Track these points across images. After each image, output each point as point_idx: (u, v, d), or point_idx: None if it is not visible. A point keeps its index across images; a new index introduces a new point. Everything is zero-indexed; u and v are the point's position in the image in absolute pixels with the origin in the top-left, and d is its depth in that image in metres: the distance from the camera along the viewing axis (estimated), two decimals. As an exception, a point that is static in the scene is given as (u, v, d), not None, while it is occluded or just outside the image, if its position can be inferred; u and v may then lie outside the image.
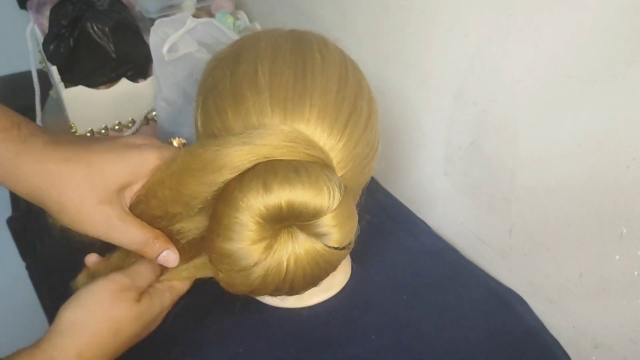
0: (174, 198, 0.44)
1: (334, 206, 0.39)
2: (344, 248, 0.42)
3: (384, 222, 0.70)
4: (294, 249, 0.41)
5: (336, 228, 0.40)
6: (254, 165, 0.41)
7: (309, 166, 0.40)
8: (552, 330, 0.57)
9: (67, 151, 0.43)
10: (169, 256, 0.47)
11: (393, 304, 0.56)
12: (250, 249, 0.40)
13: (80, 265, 0.53)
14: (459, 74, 0.61)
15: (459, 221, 0.69)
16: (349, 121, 0.45)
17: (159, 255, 0.47)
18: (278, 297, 0.54)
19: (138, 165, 0.45)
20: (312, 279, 0.43)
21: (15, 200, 0.99)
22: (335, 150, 0.44)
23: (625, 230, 0.48)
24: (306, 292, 0.54)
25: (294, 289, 0.43)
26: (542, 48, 0.51)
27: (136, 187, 0.46)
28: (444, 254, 0.66)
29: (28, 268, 0.96)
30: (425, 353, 0.51)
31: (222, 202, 0.41)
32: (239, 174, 0.41)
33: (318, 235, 0.41)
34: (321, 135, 0.43)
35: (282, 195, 0.38)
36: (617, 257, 0.49)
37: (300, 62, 0.45)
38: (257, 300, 0.55)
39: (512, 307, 0.57)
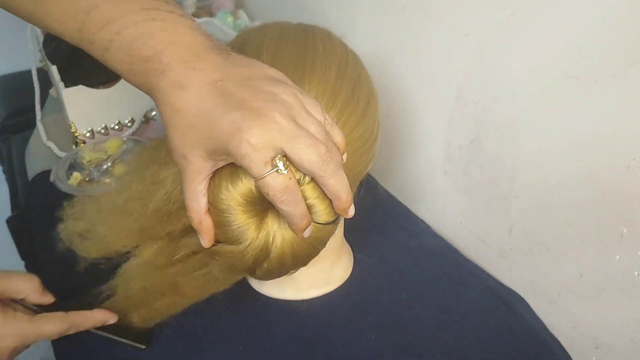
0: None
1: (308, 179, 0.40)
2: (330, 223, 0.42)
3: (384, 222, 0.70)
4: (280, 228, 0.42)
5: (319, 200, 0.40)
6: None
7: None
8: (553, 330, 0.57)
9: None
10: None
11: (393, 304, 0.56)
12: (243, 230, 0.41)
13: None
14: (459, 73, 0.61)
15: (459, 221, 0.69)
16: (346, 108, 0.47)
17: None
18: (277, 288, 0.54)
19: None
20: (302, 257, 0.44)
21: (15, 200, 0.99)
22: None
23: (625, 230, 0.48)
24: (305, 284, 0.54)
25: (284, 268, 0.44)
26: (543, 48, 0.51)
27: None
28: (444, 253, 0.66)
29: (27, 267, 0.96)
30: (425, 353, 0.51)
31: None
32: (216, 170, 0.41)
33: None
34: None
35: (250, 180, 0.39)
36: (618, 257, 0.49)
37: (301, 50, 0.48)
38: (257, 292, 0.55)
39: (512, 306, 0.57)
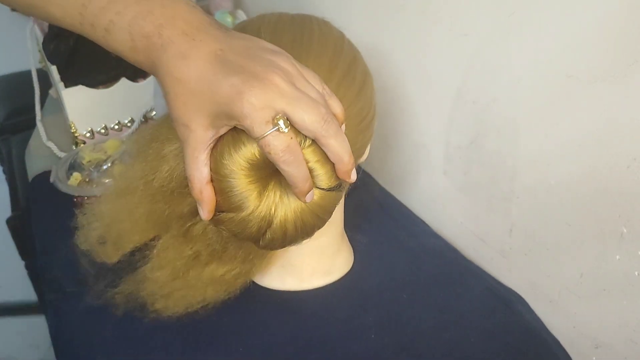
0: None
1: (308, 142, 0.40)
2: (333, 189, 0.42)
3: (384, 222, 0.70)
4: (283, 198, 0.42)
5: (318, 165, 0.41)
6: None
7: None
8: (553, 330, 0.57)
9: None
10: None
11: (393, 304, 0.56)
12: (245, 196, 0.41)
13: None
14: (459, 73, 0.61)
15: (459, 221, 0.69)
16: (342, 83, 0.48)
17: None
18: (278, 278, 0.55)
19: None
20: (305, 226, 0.44)
21: (15, 200, 0.99)
22: None
23: (625, 230, 0.48)
24: (307, 274, 0.55)
25: (287, 237, 0.44)
26: (542, 47, 0.51)
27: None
28: (444, 253, 0.66)
29: (27, 267, 0.96)
30: (425, 352, 0.51)
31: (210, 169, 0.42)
32: (217, 139, 0.42)
33: None
34: None
35: (253, 144, 0.40)
36: (618, 257, 0.49)
37: (298, 31, 0.49)
38: (257, 285, 0.55)
39: (512, 306, 0.57)
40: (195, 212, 0.48)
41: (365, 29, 0.75)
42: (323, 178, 0.41)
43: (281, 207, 0.42)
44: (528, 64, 0.53)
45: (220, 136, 0.41)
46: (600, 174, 0.49)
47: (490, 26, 0.55)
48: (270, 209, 0.42)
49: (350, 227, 0.60)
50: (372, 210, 0.71)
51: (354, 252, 0.62)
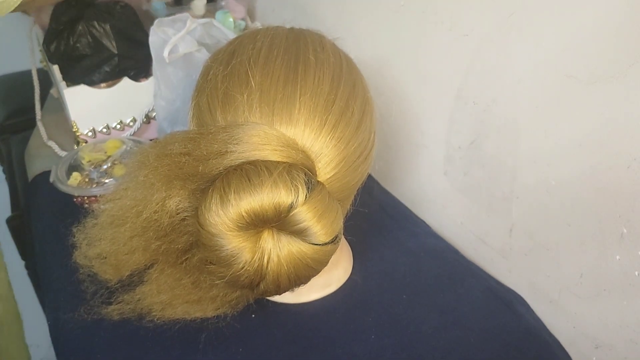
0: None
1: (301, 201, 0.39)
2: (328, 243, 0.42)
3: (384, 222, 0.70)
4: (276, 249, 0.41)
5: (314, 222, 0.40)
6: (214, 181, 0.41)
7: (270, 166, 0.40)
8: (553, 330, 0.57)
9: None
10: None
11: (393, 304, 0.56)
12: (234, 253, 0.40)
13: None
14: (459, 73, 0.61)
15: (459, 221, 0.69)
16: (340, 122, 0.45)
17: None
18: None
19: None
20: (299, 278, 0.43)
21: (15, 200, 0.99)
22: (325, 151, 0.44)
23: (625, 230, 0.48)
24: (304, 288, 0.54)
25: (281, 288, 0.43)
26: (543, 48, 0.51)
27: None
28: (445, 253, 0.66)
29: (27, 267, 0.96)
30: (426, 353, 0.51)
31: (197, 222, 0.41)
32: (202, 191, 0.41)
33: (298, 233, 0.41)
34: (309, 136, 0.44)
35: (241, 206, 0.39)
36: (618, 257, 0.49)
37: (293, 63, 0.46)
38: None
39: (512, 307, 0.57)
40: (190, 247, 0.47)
41: (365, 30, 0.76)
42: (319, 235, 0.41)
43: (274, 260, 0.41)
44: (528, 64, 0.53)
45: (209, 190, 0.40)
46: (600, 174, 0.49)
47: (490, 26, 0.55)
48: (263, 263, 0.41)
49: (350, 228, 0.60)
50: (372, 211, 0.71)
51: (353, 252, 0.62)
